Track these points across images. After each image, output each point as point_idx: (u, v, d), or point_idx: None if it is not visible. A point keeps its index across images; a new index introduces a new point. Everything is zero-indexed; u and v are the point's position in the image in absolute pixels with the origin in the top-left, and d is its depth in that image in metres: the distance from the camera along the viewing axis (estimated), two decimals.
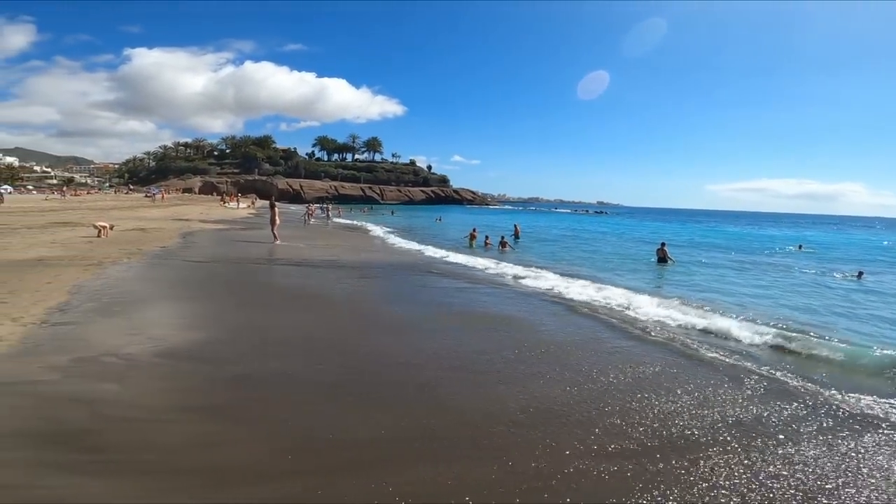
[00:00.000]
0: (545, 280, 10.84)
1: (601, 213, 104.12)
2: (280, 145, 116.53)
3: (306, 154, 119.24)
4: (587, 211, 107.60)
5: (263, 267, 11.10)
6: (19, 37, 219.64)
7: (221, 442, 3.19)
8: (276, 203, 18.19)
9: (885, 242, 38.48)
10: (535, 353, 5.45)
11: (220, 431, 3.32)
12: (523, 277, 11.23)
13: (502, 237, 20.05)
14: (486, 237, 20.59)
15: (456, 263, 13.54)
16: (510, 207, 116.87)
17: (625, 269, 15.09)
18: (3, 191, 41.11)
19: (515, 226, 25.01)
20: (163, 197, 54.09)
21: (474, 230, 21.35)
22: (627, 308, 8.23)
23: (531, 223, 44.48)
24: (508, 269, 12.44)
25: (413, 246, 18.56)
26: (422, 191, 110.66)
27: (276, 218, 15.99)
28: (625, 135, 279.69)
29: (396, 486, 2.81)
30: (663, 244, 17.66)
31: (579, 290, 9.62)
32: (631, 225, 53.75)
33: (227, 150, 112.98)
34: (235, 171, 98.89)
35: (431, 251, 16.55)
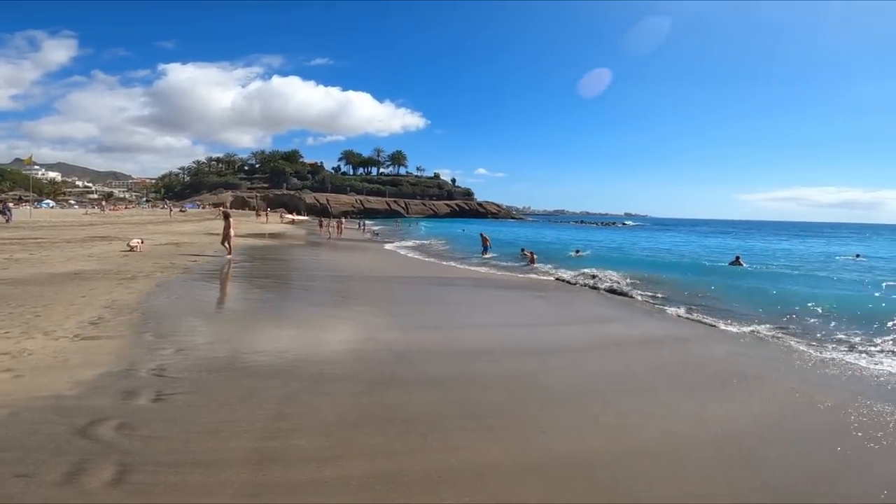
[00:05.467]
0: None
1: (610, 224, 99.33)
2: (307, 160, 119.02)
3: (332, 168, 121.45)
4: (600, 224, 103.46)
5: (300, 282, 11.11)
6: (61, 52, 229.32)
7: (275, 458, 3.15)
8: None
9: None
10: None
11: (262, 448, 3.27)
12: None
13: (531, 252, 20.36)
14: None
15: None
16: (532, 220, 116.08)
17: None
18: (11, 208, 38.70)
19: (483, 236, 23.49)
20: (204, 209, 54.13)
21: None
22: None
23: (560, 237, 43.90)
24: None
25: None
26: (446, 204, 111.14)
27: (231, 231, 14.93)
28: (651, 144, 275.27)
29: None
30: (738, 256, 20.70)
31: None
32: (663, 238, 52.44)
33: (257, 165, 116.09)
34: (265, 185, 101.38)
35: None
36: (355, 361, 5.43)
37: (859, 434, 4.01)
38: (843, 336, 7.69)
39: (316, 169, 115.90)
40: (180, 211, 60.60)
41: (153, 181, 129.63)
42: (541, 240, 36.56)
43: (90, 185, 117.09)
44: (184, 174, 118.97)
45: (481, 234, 23.37)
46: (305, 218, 60.61)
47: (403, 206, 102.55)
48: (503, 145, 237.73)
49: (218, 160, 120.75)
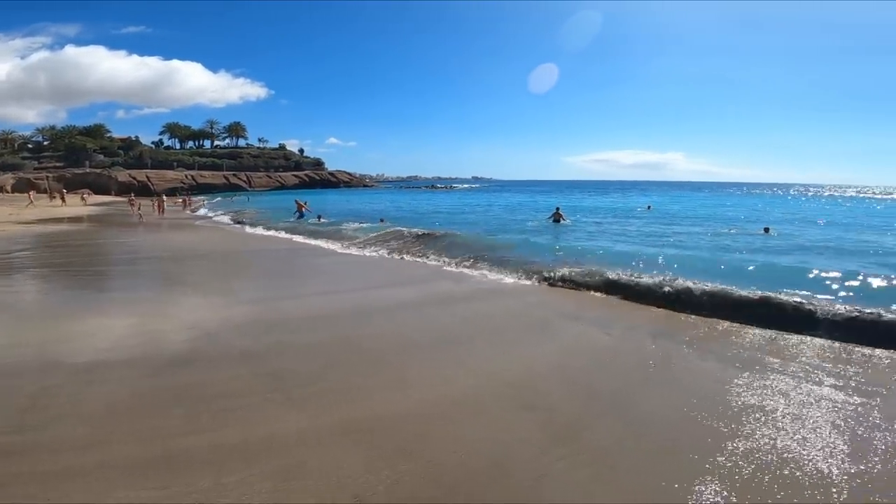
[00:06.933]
0: None
1: (451, 187, 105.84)
2: (117, 134, 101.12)
3: (152, 143, 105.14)
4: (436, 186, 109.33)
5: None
6: None
7: (21, 452, 2.91)
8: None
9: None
10: None
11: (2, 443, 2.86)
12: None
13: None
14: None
15: None
16: (385, 187, 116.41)
17: None
18: None
19: (298, 202, 25.48)
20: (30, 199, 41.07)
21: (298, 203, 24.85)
22: None
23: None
24: None
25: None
26: (294, 175, 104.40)
27: None
28: (493, 112, 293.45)
29: None
30: (558, 208, 23.01)
31: None
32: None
33: (46, 143, 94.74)
34: (59, 164, 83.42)
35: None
36: (146, 345, 4.98)
37: (634, 364, 4.73)
38: (629, 281, 8.30)
39: (130, 144, 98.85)
40: None
41: None
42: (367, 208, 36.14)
43: None
44: None
45: (296, 201, 24.67)
46: (118, 198, 51.75)
47: (245, 179, 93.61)
48: (355, 115, 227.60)
49: None
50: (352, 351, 4.98)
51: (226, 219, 25.98)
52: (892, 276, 8.10)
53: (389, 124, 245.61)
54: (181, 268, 10.15)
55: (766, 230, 18.42)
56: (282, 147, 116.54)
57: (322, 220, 22.20)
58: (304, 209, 23.86)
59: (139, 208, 28.27)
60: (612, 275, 8.25)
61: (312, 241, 15.36)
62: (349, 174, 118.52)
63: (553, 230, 19.80)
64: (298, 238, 16.51)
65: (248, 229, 19.89)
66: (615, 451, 3.17)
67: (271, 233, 18.55)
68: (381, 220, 22.06)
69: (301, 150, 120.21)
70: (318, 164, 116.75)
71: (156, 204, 30.53)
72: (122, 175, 78.33)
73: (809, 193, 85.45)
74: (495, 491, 2.72)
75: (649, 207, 34.96)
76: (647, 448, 3.21)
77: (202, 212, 33.63)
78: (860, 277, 8.13)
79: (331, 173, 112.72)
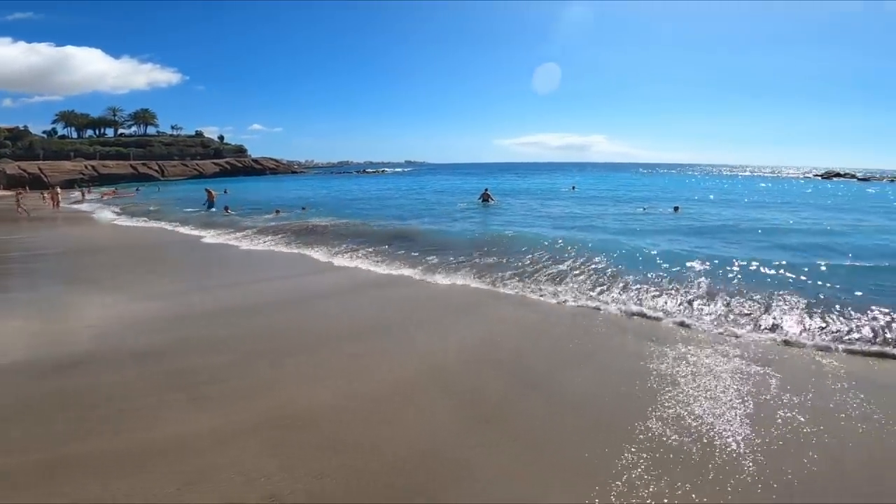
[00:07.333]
0: None
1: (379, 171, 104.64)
2: (3, 124, 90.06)
3: (44, 132, 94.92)
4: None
5: None
6: None
7: None
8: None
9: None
10: None
11: None
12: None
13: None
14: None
15: None
16: (315, 172, 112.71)
17: None
18: None
19: (209, 191, 24.42)
20: None
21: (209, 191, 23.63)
22: None
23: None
24: None
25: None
26: (214, 163, 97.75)
27: None
28: (426, 96, 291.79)
29: None
30: (486, 190, 23.99)
31: None
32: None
33: None
34: None
35: None
36: (31, 348, 4.58)
37: (552, 345, 4.94)
38: (551, 269, 8.50)
39: (18, 134, 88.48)
40: None
41: None
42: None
43: None
44: None
45: (206, 190, 23.69)
46: (5, 192, 45.94)
47: (157, 168, 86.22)
48: (281, 100, 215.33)
49: None
50: (259, 344, 4.81)
51: (134, 210, 23.85)
52: (785, 257, 9.29)
53: (318, 109, 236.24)
54: (82, 263, 9.38)
55: (676, 209, 20.01)
56: (199, 134, 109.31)
57: (230, 211, 20.74)
58: (214, 199, 22.63)
59: (20, 202, 24.85)
60: (519, 288, 7.67)
61: (199, 233, 14.65)
62: (275, 161, 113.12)
63: (481, 212, 20.24)
64: (185, 230, 15.60)
65: (130, 222, 18.75)
66: (539, 429, 3.29)
67: (157, 224, 17.53)
68: (304, 209, 21.19)
69: (221, 137, 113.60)
70: (240, 150, 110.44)
71: (49, 197, 27.39)
72: (11, 167, 69.44)
73: (714, 173, 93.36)
74: (420, 481, 2.71)
75: (574, 188, 36.76)
76: (574, 424, 3.37)
77: (81, 206, 29.10)
78: (756, 257, 9.27)
79: (255, 160, 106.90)
